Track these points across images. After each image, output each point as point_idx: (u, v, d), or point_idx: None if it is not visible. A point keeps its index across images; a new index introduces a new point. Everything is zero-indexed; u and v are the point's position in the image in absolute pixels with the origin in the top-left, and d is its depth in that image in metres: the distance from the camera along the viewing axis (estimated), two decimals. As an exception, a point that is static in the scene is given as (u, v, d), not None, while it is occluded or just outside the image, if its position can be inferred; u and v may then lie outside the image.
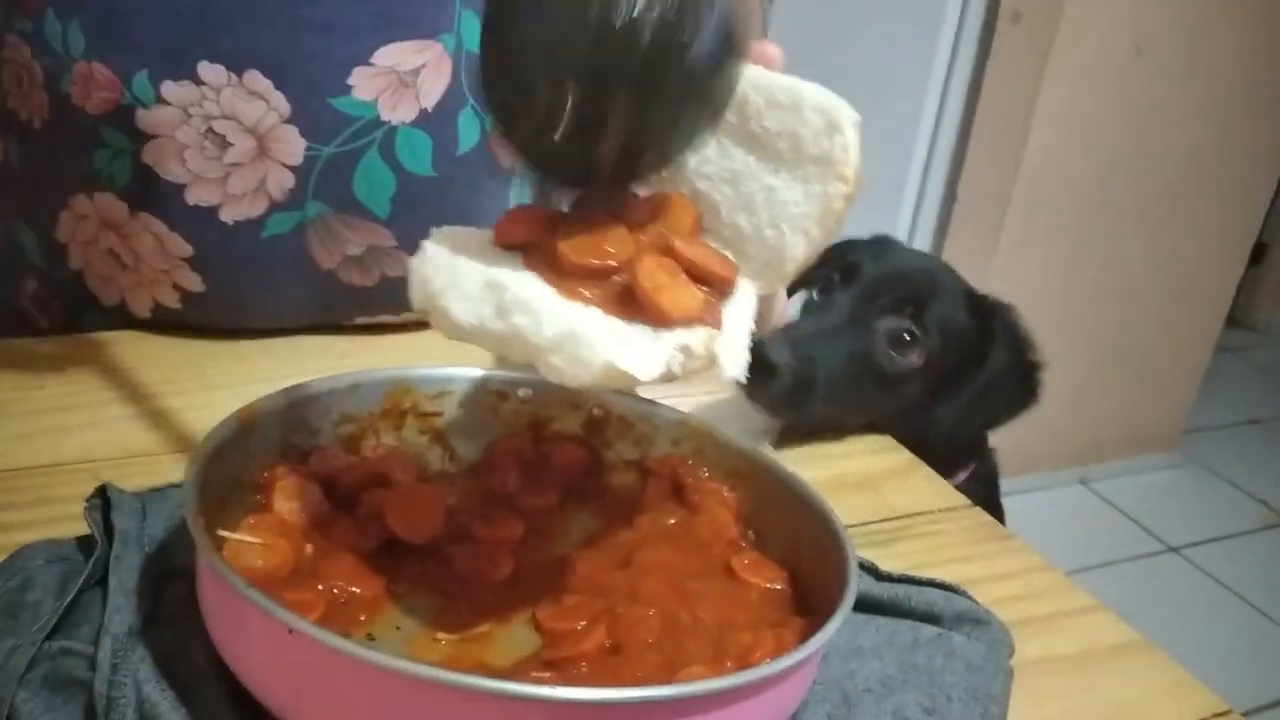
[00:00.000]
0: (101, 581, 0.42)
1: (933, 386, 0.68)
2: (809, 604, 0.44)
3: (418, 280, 0.37)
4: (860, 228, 2.32)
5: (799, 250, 0.40)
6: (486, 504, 0.49)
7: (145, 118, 0.61)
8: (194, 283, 0.66)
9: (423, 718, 0.33)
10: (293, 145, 0.63)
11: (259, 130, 0.62)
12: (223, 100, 0.61)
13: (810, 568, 0.45)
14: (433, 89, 0.65)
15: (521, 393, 0.54)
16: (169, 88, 0.60)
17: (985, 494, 0.72)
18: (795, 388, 0.65)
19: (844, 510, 0.46)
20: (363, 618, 0.41)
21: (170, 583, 0.42)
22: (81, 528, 0.45)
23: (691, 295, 0.37)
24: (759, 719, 0.38)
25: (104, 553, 0.43)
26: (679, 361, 0.35)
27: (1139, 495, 2.46)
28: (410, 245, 0.67)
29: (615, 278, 0.37)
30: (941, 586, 0.50)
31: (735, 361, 0.36)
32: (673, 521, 0.49)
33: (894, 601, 0.48)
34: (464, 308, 0.35)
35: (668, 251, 0.38)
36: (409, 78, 0.64)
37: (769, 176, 0.41)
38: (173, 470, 0.52)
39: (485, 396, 0.53)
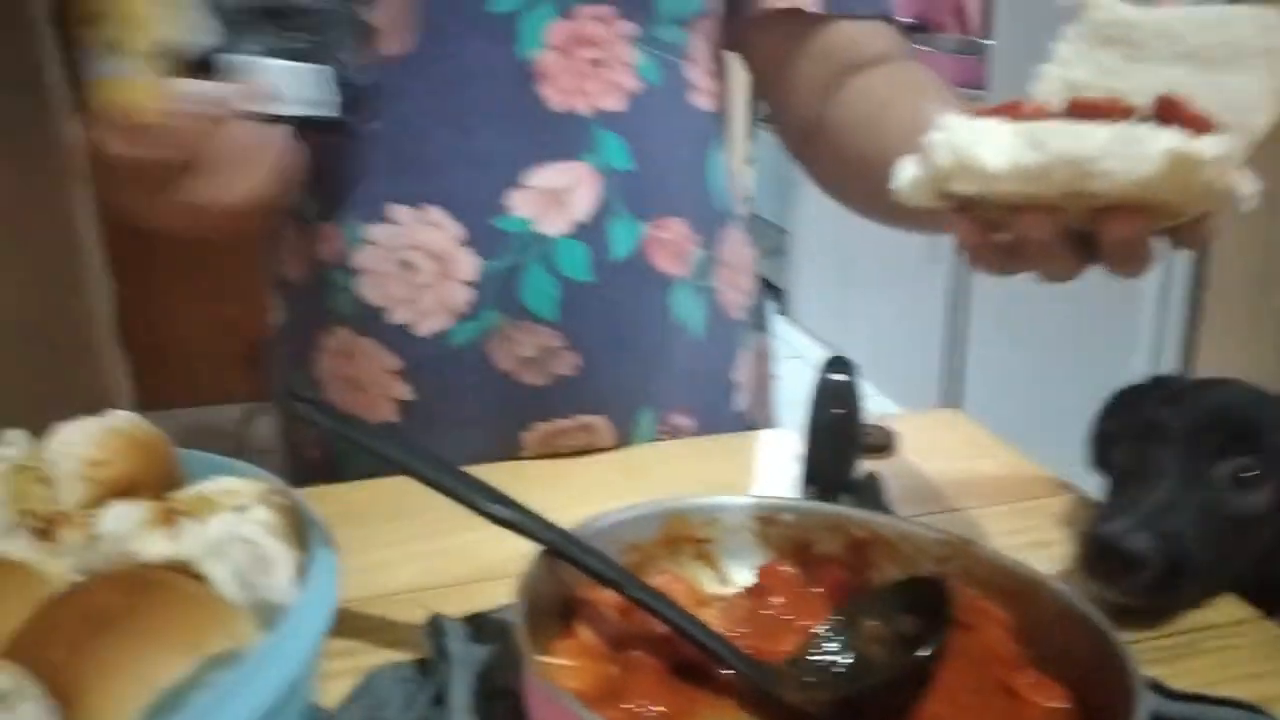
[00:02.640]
0: (438, 699, 0.48)
1: None
2: (1096, 724, 0.44)
3: (939, 146, 0.42)
4: (1102, 325, 2.19)
5: (1259, 123, 0.45)
6: (764, 625, 0.52)
7: (357, 257, 0.74)
8: (406, 393, 0.77)
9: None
10: (467, 264, 0.73)
11: (439, 254, 0.73)
12: (410, 233, 0.73)
13: (1093, 686, 0.45)
14: (583, 202, 0.74)
15: (785, 517, 0.57)
16: (371, 229, 0.74)
17: None
18: (1164, 574, 0.55)
19: (1123, 626, 0.46)
20: (667, 734, 0.45)
21: (495, 701, 0.48)
22: (417, 650, 0.52)
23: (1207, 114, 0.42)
24: (1058, 839, 0.38)
25: (441, 674, 0.49)
26: (1238, 149, 0.40)
27: None
28: (578, 344, 0.76)
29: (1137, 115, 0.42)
30: (1237, 705, 0.48)
31: (1248, 186, 0.41)
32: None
33: (1186, 721, 0.47)
34: (995, 154, 0.41)
35: (1165, 102, 0.43)
36: (561, 194, 0.73)
37: (1211, 77, 0.46)
38: (484, 596, 0.58)
39: (751, 523, 0.57)
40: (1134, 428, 0.63)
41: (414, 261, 0.73)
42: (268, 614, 0.50)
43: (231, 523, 0.51)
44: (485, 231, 0.73)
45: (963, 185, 0.42)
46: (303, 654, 0.46)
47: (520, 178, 0.73)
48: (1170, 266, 1.98)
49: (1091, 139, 0.40)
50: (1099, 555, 0.56)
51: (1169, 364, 2.03)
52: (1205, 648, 0.57)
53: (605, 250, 0.75)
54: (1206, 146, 0.39)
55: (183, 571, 0.49)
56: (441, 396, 0.77)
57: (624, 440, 0.81)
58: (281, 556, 0.51)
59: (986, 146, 0.41)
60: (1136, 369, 2.04)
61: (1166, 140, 0.39)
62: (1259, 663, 0.55)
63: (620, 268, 0.75)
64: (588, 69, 0.74)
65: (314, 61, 0.64)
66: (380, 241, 0.74)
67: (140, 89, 0.54)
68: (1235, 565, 0.59)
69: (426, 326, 0.75)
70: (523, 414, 0.78)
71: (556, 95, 0.73)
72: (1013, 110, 0.44)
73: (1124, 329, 2.04)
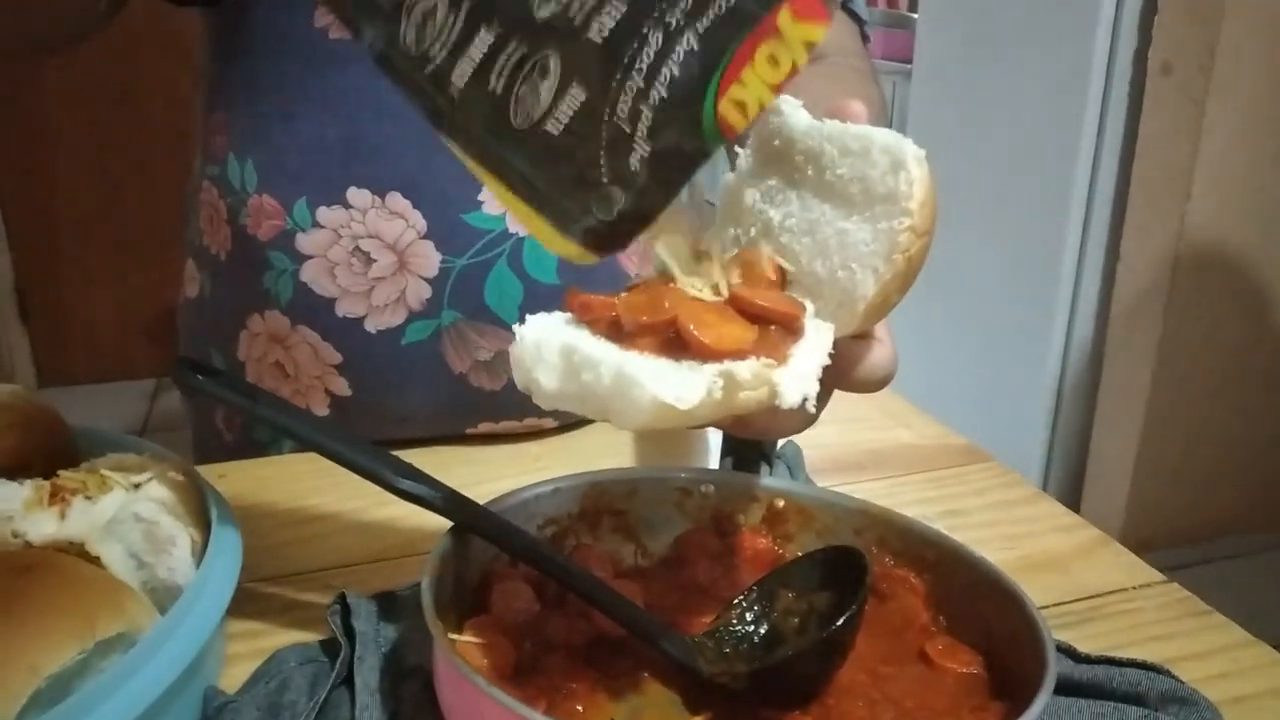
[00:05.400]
0: (347, 681, 0.47)
1: None
2: (1008, 688, 0.45)
3: (515, 361, 0.40)
4: (1023, 292, 2.25)
5: (868, 287, 0.41)
6: (683, 597, 0.52)
7: (304, 240, 0.69)
8: (342, 387, 0.73)
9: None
10: (429, 259, 0.69)
11: (399, 246, 0.69)
12: (368, 221, 0.68)
13: (1006, 651, 0.46)
14: None
15: (704, 488, 0.56)
16: (323, 212, 0.69)
17: None
18: None
19: (1034, 591, 0.47)
20: (580, 708, 0.44)
21: (406, 680, 0.47)
22: (324, 631, 0.50)
23: (741, 329, 0.39)
24: (969, 804, 0.39)
25: (347, 655, 0.47)
26: (719, 386, 0.36)
27: (1353, 558, 2.28)
28: None
29: (671, 331, 0.39)
30: (1143, 666, 0.49)
31: (796, 390, 0.37)
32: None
33: (1095, 683, 0.48)
34: (549, 377, 0.39)
35: (731, 299, 0.41)
36: None
37: (842, 221, 0.42)
38: (395, 573, 0.57)
39: (670, 494, 0.56)
40: None
41: (370, 252, 0.69)
42: (164, 595, 0.48)
43: (125, 500, 0.49)
44: (451, 226, 0.69)
45: (537, 397, 0.39)
46: (200, 636, 0.44)
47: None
48: (1084, 241, 2.02)
49: (604, 376, 0.36)
50: None
51: (1083, 337, 2.08)
52: (1111, 611, 0.58)
53: None
54: (684, 396, 0.35)
55: (73, 552, 0.47)
56: (383, 394, 0.73)
57: None
58: (179, 535, 0.49)
59: (542, 368, 0.39)
60: (1053, 343, 2.09)
61: (652, 389, 0.35)
62: (1164, 624, 0.57)
63: (586, 271, 0.72)
64: None
65: None
66: (333, 226, 0.69)
67: None
68: None
69: (377, 322, 0.70)
70: (470, 416, 0.75)
71: None
72: (585, 311, 0.41)
73: (1040, 303, 2.08)
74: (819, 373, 0.39)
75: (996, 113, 2.14)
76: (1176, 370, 2.02)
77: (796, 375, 0.38)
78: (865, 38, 0.77)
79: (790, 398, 0.37)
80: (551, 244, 0.36)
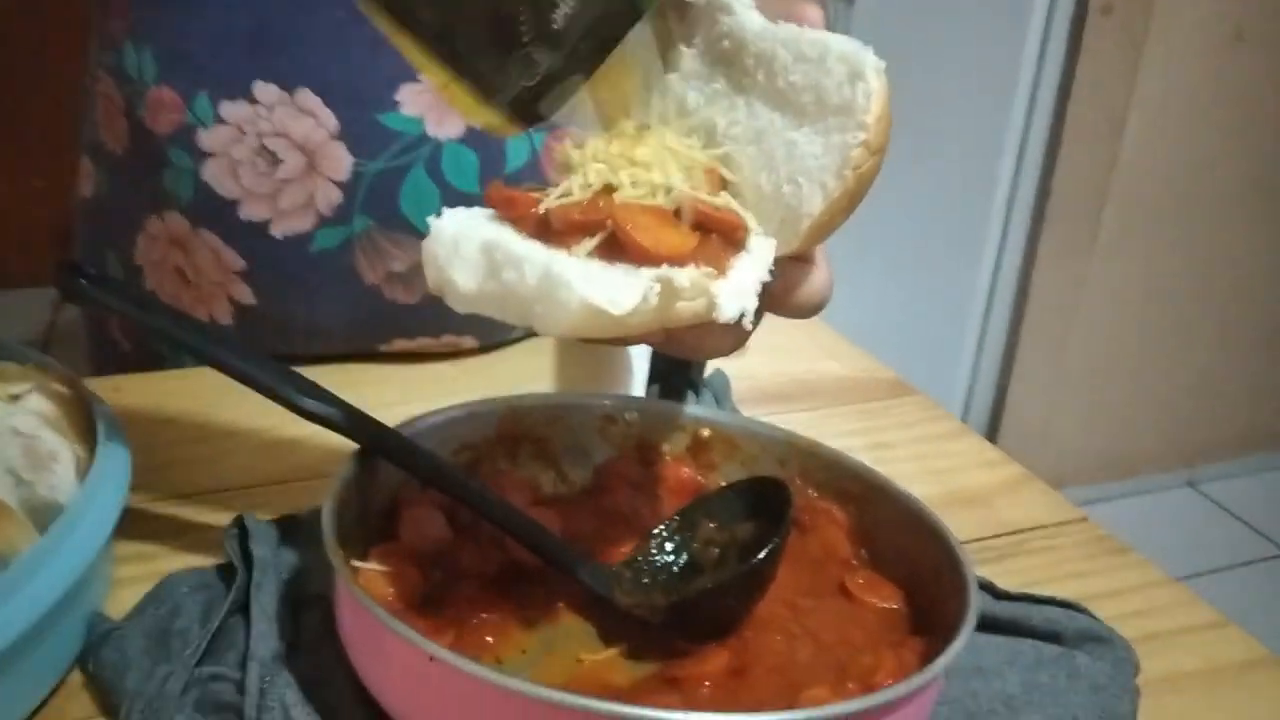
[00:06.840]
0: (243, 608, 0.44)
1: None
2: (927, 623, 0.44)
3: (427, 257, 0.37)
4: (952, 227, 2.26)
5: (815, 204, 0.38)
6: (602, 525, 0.50)
7: (205, 137, 0.64)
8: (246, 295, 0.68)
9: (558, 742, 0.34)
10: (340, 161, 0.64)
11: (308, 147, 0.64)
12: (275, 118, 0.63)
13: (927, 586, 0.45)
14: None
15: (628, 415, 0.55)
16: (226, 107, 0.64)
17: None
18: None
19: (956, 526, 0.46)
20: (490, 640, 0.42)
21: (306, 609, 0.44)
22: (220, 555, 0.47)
23: (680, 235, 0.36)
24: (885, 742, 0.38)
25: (244, 580, 0.45)
26: (656, 292, 0.34)
27: (1251, 497, 2.37)
28: None
29: (604, 232, 0.36)
30: (1061, 604, 0.49)
31: (734, 304, 0.35)
32: (785, 542, 0.50)
33: (1014, 620, 0.48)
34: (466, 276, 0.36)
35: (676, 199, 0.37)
36: None
37: (791, 132, 0.39)
38: (300, 496, 0.54)
39: (593, 420, 0.54)
40: None
41: (276, 151, 0.64)
42: (45, 515, 0.45)
43: (2, 413, 0.45)
44: (365, 127, 0.64)
45: (450, 298, 0.37)
46: (83, 558, 0.41)
47: (417, 71, 0.64)
48: (1016, 179, 2.03)
49: (529, 275, 0.34)
50: None
51: (1011, 271, 2.10)
52: (1032, 548, 0.58)
53: (499, 161, 0.67)
54: (618, 301, 0.33)
55: (-59, 468, 0.44)
56: (290, 304, 0.69)
57: None
58: (61, 451, 0.45)
59: (458, 265, 0.36)
60: (981, 277, 2.11)
61: (581, 291, 0.32)
62: (1081, 562, 0.57)
63: (510, 180, 0.68)
64: None
65: None
66: (236, 123, 0.64)
67: None
68: None
69: (284, 227, 0.66)
70: (384, 330, 0.71)
71: None
72: (510, 207, 0.38)
73: (970, 238, 2.10)
74: (759, 289, 0.37)
75: (935, 47, 2.12)
76: (1098, 309, 2.06)
77: (736, 288, 0.35)
78: None
79: (728, 311, 0.35)
80: (470, 113, 0.33)
